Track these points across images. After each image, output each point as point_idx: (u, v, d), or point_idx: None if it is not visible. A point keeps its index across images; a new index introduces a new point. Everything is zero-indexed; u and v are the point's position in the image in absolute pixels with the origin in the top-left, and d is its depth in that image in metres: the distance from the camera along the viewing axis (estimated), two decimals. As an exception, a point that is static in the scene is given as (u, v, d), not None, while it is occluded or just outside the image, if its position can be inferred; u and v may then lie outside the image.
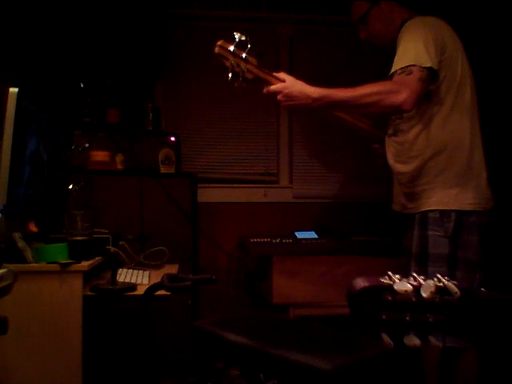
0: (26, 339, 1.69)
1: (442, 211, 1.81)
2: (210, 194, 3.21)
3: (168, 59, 3.20)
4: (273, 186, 3.37)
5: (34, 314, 1.70)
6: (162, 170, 2.94)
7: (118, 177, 2.83)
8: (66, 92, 2.90)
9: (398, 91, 1.70)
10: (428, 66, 1.72)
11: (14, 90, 1.63)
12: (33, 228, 2.06)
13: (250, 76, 1.80)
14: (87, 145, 2.73)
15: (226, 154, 3.31)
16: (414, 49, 1.75)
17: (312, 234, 3.00)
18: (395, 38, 1.88)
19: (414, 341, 0.66)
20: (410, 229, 1.91)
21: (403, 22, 1.90)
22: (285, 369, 1.43)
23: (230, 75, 1.80)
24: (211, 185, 3.25)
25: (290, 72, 3.39)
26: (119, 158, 2.89)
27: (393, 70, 1.77)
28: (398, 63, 1.76)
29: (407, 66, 1.72)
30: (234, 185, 3.30)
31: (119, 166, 2.88)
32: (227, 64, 1.79)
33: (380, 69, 2.07)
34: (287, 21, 3.34)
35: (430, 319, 0.65)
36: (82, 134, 2.86)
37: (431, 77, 1.76)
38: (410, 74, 1.71)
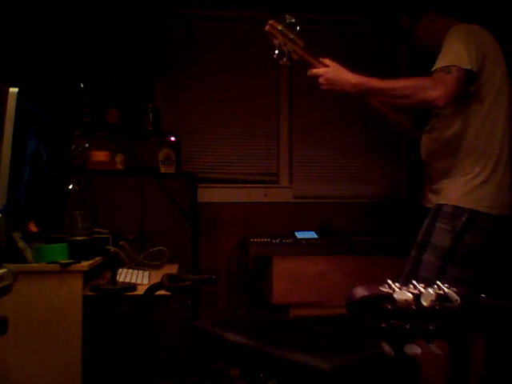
0: (26, 339, 1.69)
1: (455, 207, 1.86)
2: (210, 194, 3.21)
3: (168, 59, 3.21)
4: (273, 186, 3.37)
5: (34, 313, 1.70)
6: (162, 170, 2.94)
7: (118, 177, 2.83)
8: (66, 92, 2.90)
9: (433, 87, 1.75)
10: (467, 68, 1.78)
11: (13, 90, 1.62)
12: (33, 228, 2.05)
13: (295, 57, 1.92)
14: (87, 145, 2.73)
15: (226, 154, 3.31)
16: (455, 50, 1.81)
17: (312, 234, 3.00)
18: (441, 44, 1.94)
19: (414, 349, 0.66)
20: None
21: (449, 29, 1.94)
22: (285, 369, 1.43)
23: (276, 53, 1.91)
24: (211, 185, 3.26)
25: (290, 71, 3.43)
26: (119, 157, 2.88)
27: (433, 68, 1.82)
28: (440, 62, 1.82)
29: (447, 66, 1.78)
30: (234, 185, 3.30)
31: (119, 166, 2.88)
32: (275, 42, 1.92)
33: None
34: (287, 21, 3.33)
35: (431, 327, 0.65)
36: (81, 134, 2.86)
37: (469, 79, 1.81)
38: (448, 73, 1.77)
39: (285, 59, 1.91)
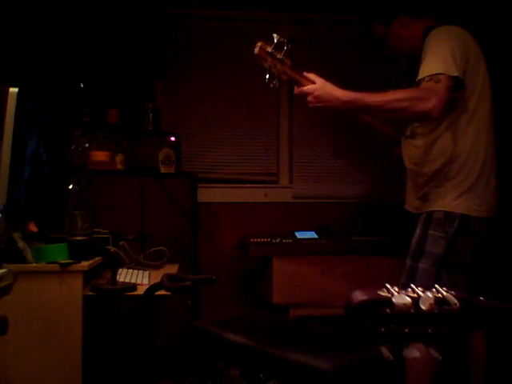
0: (26, 339, 1.69)
1: (446, 213, 1.86)
2: (210, 194, 3.21)
3: (168, 59, 3.20)
4: (273, 186, 3.37)
5: (34, 313, 1.70)
6: (162, 170, 2.94)
7: (118, 177, 2.83)
8: (66, 92, 2.90)
9: (427, 98, 1.72)
10: (455, 75, 1.76)
11: (13, 89, 1.62)
12: (33, 228, 2.05)
13: (284, 77, 1.86)
14: (87, 145, 2.73)
15: (226, 154, 3.31)
16: (441, 57, 1.78)
17: (312, 234, 3.00)
18: (419, 47, 1.91)
19: (413, 353, 0.66)
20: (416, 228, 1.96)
21: (426, 30, 1.93)
22: (285, 369, 1.43)
23: (267, 76, 1.86)
24: (211, 185, 3.25)
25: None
26: (119, 157, 2.89)
27: (420, 77, 1.79)
28: (426, 70, 1.78)
29: (436, 74, 1.75)
30: (234, 185, 3.30)
31: (119, 166, 2.88)
32: (265, 65, 1.86)
33: (401, 72, 2.11)
34: (287, 21, 3.34)
35: (430, 331, 0.65)
36: (81, 134, 2.86)
37: (456, 86, 1.79)
38: (438, 82, 1.74)
39: (275, 82, 1.86)
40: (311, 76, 1.83)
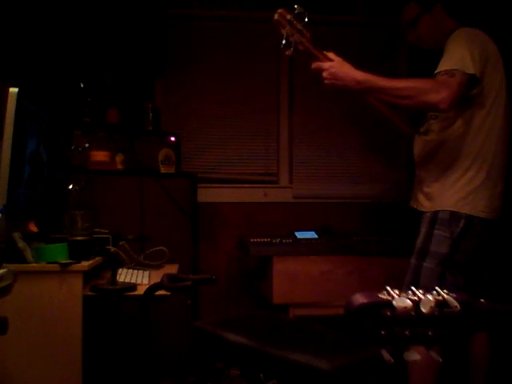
0: (26, 339, 1.69)
1: (452, 213, 1.86)
2: (210, 194, 3.21)
3: (168, 59, 3.21)
4: (273, 186, 3.37)
5: (34, 314, 1.70)
6: (162, 170, 2.93)
7: (118, 177, 2.82)
8: (66, 92, 2.90)
9: (437, 90, 1.74)
10: (471, 72, 1.78)
11: (14, 89, 1.62)
12: (33, 228, 2.05)
13: (301, 48, 1.89)
14: (87, 145, 2.73)
15: (226, 154, 3.31)
16: (459, 54, 1.81)
17: (312, 234, 3.00)
18: (441, 44, 1.93)
19: (414, 356, 0.66)
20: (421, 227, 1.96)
21: (451, 30, 1.95)
22: (285, 369, 1.43)
23: (283, 42, 1.88)
24: (211, 185, 3.26)
25: (290, 71, 3.43)
26: (119, 157, 2.88)
27: (437, 71, 1.82)
28: (443, 65, 1.81)
29: (451, 69, 1.77)
30: (234, 185, 3.30)
31: (119, 166, 2.88)
32: (283, 32, 1.88)
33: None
34: (287, 21, 3.33)
35: (430, 333, 0.65)
36: (81, 134, 2.85)
37: (472, 84, 1.81)
38: (452, 77, 1.76)
39: (291, 49, 1.88)
40: (330, 54, 1.87)
